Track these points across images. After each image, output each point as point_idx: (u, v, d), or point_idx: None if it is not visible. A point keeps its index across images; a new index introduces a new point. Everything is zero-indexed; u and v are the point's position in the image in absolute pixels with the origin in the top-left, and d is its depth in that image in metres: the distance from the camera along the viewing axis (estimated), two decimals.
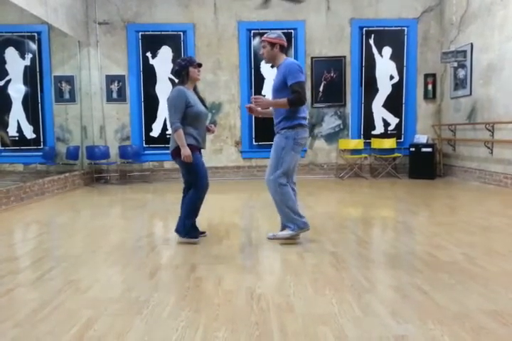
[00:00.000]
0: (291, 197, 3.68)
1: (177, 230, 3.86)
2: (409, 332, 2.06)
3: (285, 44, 3.72)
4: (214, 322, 2.21)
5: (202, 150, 3.92)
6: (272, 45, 3.65)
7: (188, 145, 3.67)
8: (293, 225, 3.70)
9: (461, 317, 2.20)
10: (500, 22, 6.87)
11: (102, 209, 5.79)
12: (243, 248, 3.65)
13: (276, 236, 3.78)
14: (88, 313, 2.33)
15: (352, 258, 3.29)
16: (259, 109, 3.82)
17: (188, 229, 3.80)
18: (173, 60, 8.57)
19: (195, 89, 3.91)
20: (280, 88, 3.61)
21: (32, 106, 7.06)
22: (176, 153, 3.73)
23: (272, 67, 3.82)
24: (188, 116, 3.69)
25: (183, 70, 3.76)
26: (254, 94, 8.46)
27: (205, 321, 2.22)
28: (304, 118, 3.69)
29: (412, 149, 8.48)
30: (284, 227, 3.81)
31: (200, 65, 3.83)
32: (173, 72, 3.87)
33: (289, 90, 3.52)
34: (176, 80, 3.87)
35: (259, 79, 8.73)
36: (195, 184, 3.79)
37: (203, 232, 4.06)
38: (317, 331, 2.09)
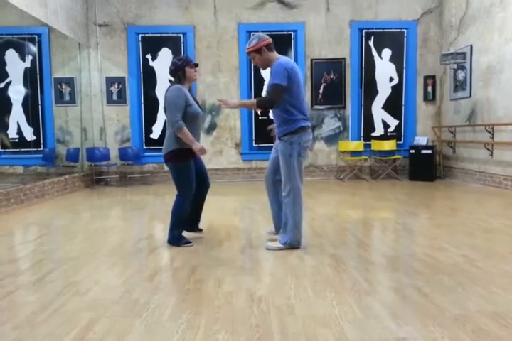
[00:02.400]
0: (302, 211, 3.59)
1: (169, 242, 3.80)
2: (409, 335, 2.06)
3: (270, 41, 3.51)
4: (214, 324, 2.21)
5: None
6: (258, 51, 3.48)
7: (186, 149, 3.62)
8: (287, 238, 3.57)
9: (462, 320, 2.20)
10: (500, 24, 6.88)
11: (102, 211, 5.79)
12: (243, 250, 3.65)
13: (268, 247, 3.64)
14: (88, 315, 2.33)
15: (352, 260, 3.29)
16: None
17: (178, 237, 3.76)
18: None
19: (189, 91, 3.84)
20: None
21: (32, 108, 7.06)
22: (169, 158, 3.69)
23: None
24: (186, 116, 3.62)
25: (180, 70, 3.70)
26: (255, 97, 8.49)
27: (206, 323, 2.21)
28: (304, 119, 3.52)
29: (412, 151, 8.48)
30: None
31: (196, 65, 3.79)
32: (169, 71, 3.78)
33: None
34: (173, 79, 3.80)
35: (259, 81, 8.73)
36: (183, 192, 3.72)
37: (201, 229, 4.08)
38: (317, 333, 2.08)
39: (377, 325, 2.16)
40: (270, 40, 3.53)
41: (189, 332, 2.13)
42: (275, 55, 3.55)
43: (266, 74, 8.64)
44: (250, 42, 3.52)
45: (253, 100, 3.51)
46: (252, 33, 8.67)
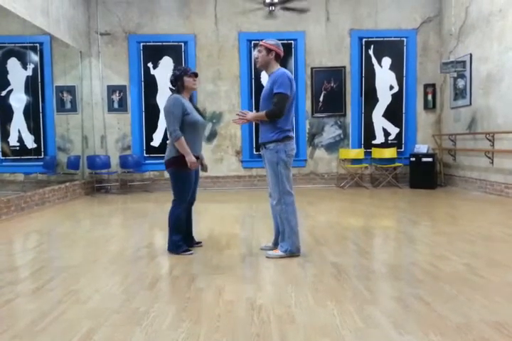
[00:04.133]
0: (296, 217, 3.61)
1: (169, 249, 3.80)
2: None
3: (281, 53, 3.68)
4: (215, 333, 2.19)
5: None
6: (268, 51, 3.61)
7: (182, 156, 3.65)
8: (287, 246, 3.57)
9: (464, 329, 2.18)
10: (499, 33, 6.92)
11: (103, 219, 5.78)
12: (243, 258, 3.64)
13: (269, 256, 3.64)
14: (88, 324, 2.31)
15: (353, 268, 3.27)
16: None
17: (178, 244, 3.76)
18: None
19: (190, 100, 3.89)
20: (269, 97, 3.58)
21: (33, 116, 7.09)
22: (170, 163, 3.73)
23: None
24: (184, 125, 3.67)
25: (178, 80, 3.77)
26: (255, 105, 8.52)
27: (206, 332, 2.20)
28: (290, 130, 3.62)
29: (413, 159, 8.49)
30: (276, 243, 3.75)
31: (195, 75, 3.84)
32: (170, 81, 3.88)
33: (272, 99, 3.50)
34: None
35: (260, 89, 8.71)
36: (178, 198, 3.77)
37: (199, 242, 4.05)
38: None
39: (378, 334, 2.14)
40: (282, 53, 3.69)
41: None
42: (277, 65, 3.68)
43: (266, 82, 8.67)
44: (268, 40, 3.68)
45: (263, 112, 3.56)
46: (252, 42, 8.75)
